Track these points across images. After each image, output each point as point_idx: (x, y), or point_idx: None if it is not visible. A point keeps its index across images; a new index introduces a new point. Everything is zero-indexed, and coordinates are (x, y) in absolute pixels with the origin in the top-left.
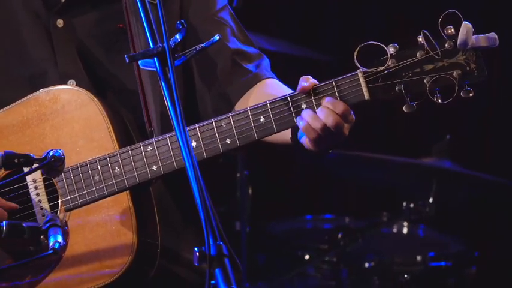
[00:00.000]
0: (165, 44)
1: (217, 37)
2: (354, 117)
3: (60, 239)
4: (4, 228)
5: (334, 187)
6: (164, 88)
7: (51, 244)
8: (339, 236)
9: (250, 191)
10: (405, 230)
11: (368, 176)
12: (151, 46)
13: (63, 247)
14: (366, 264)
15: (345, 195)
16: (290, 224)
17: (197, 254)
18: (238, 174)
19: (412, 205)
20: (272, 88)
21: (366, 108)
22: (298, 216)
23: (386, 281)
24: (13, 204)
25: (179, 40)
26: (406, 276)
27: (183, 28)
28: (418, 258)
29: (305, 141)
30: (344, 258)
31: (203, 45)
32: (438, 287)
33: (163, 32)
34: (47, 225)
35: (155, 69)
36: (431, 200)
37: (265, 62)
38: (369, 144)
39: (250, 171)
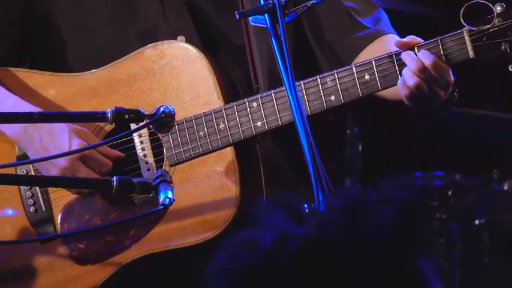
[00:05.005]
0: (275, 0)
1: None
2: (452, 78)
3: (170, 194)
4: (115, 183)
5: (444, 144)
6: (274, 45)
7: (161, 200)
8: (449, 193)
9: (360, 147)
10: None
11: (479, 133)
12: (262, 2)
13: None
14: (476, 222)
15: (455, 152)
16: (400, 181)
17: (307, 210)
18: (348, 131)
19: None
20: (391, 44)
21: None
22: (408, 173)
23: (497, 238)
24: (118, 153)
25: None
26: None
27: None
28: None
29: (403, 93)
30: (454, 216)
31: (314, 1)
32: None
33: None
34: (157, 180)
35: (265, 26)
36: None
37: (384, 17)
38: (480, 101)
39: (360, 128)
